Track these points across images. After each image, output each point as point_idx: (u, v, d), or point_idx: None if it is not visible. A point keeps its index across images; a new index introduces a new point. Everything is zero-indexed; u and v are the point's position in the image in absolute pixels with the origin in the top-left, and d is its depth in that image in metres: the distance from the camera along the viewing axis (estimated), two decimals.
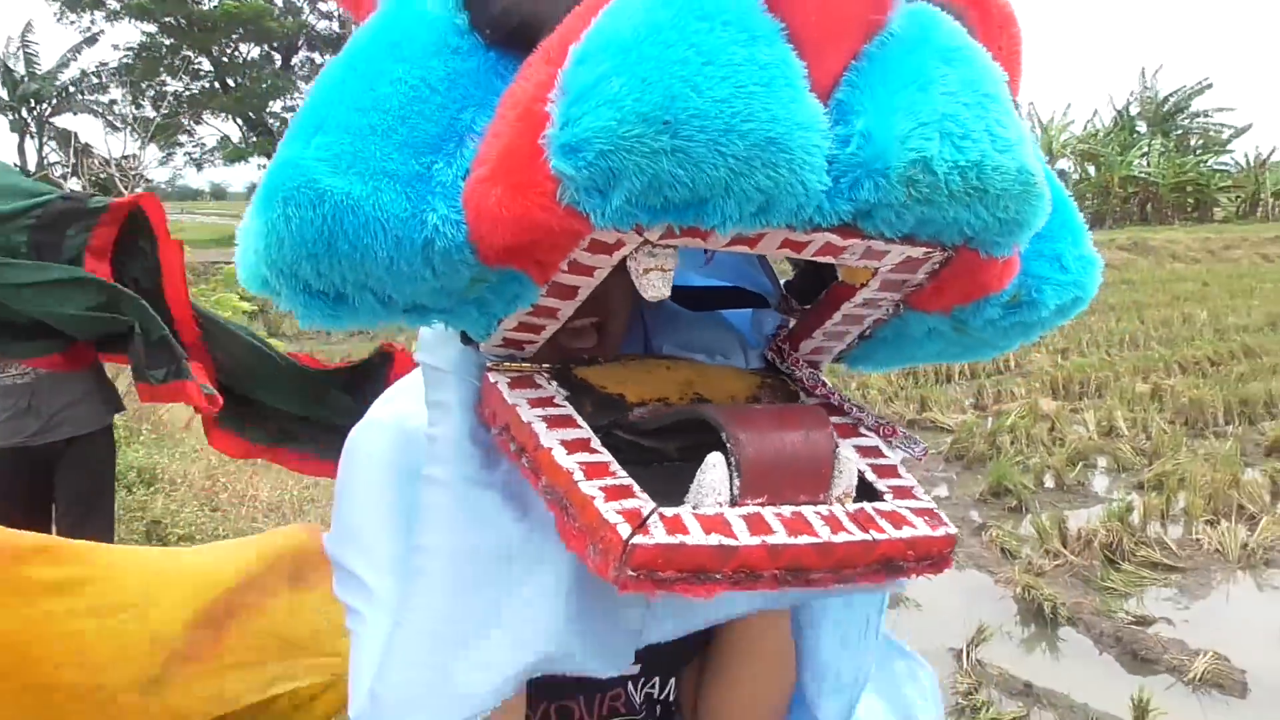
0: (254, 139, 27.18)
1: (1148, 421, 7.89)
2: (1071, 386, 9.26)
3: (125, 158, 17.41)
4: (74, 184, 18.18)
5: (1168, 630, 4.60)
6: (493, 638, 0.72)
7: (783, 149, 0.51)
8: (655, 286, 0.60)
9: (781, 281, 0.83)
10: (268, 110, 27.56)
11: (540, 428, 0.66)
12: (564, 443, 0.65)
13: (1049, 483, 6.71)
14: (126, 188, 15.03)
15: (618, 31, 0.51)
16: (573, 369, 0.74)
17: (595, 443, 0.66)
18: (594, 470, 0.63)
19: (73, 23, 26.19)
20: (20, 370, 2.79)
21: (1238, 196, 34.90)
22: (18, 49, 28.10)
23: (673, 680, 0.95)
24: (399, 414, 0.85)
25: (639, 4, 0.52)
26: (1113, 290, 15.44)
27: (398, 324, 0.68)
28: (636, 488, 0.61)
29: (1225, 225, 30.07)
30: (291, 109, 28.75)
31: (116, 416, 3.20)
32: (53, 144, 28.41)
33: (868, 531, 0.62)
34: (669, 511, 0.59)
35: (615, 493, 0.61)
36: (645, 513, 0.59)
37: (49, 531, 2.96)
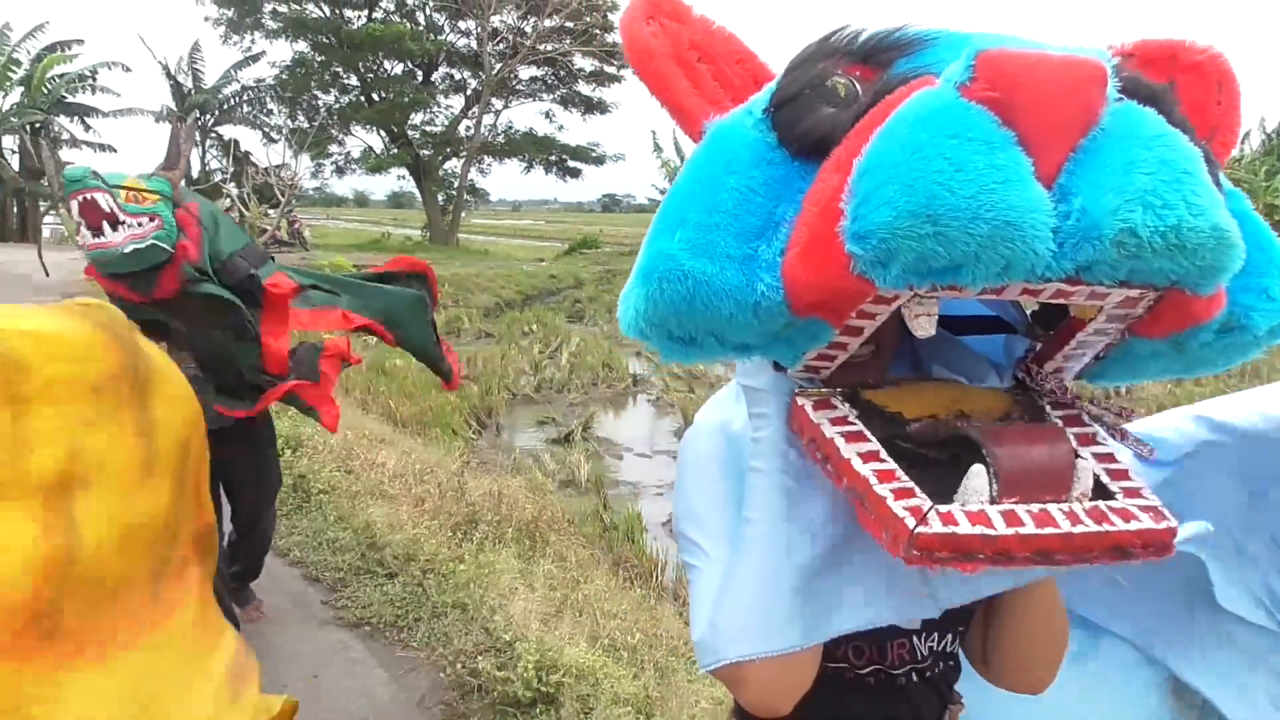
0: (394, 150, 28.64)
1: None
2: None
3: (279, 166, 18.78)
4: (233, 189, 19.72)
5: None
6: (805, 591, 0.93)
7: (1016, 228, 0.65)
8: (923, 327, 0.76)
9: (1028, 312, 1.01)
10: (409, 123, 29.00)
11: (840, 442, 0.84)
12: (860, 455, 0.82)
13: None
14: (281, 193, 16.26)
15: (890, 150, 0.68)
16: (860, 392, 0.91)
17: (883, 454, 0.83)
18: (884, 476, 0.80)
19: (236, 43, 28.32)
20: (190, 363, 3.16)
21: None
22: (186, 65, 30.53)
23: (959, 634, 1.15)
24: (721, 420, 1.10)
25: (906, 128, 0.68)
26: None
27: (729, 359, 0.89)
28: (918, 490, 0.78)
29: None
30: (430, 122, 30.28)
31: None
32: (215, 152, 30.68)
33: (1101, 525, 0.76)
34: (943, 508, 0.75)
35: (901, 494, 0.77)
36: (925, 509, 0.75)
37: (218, 500, 3.46)
